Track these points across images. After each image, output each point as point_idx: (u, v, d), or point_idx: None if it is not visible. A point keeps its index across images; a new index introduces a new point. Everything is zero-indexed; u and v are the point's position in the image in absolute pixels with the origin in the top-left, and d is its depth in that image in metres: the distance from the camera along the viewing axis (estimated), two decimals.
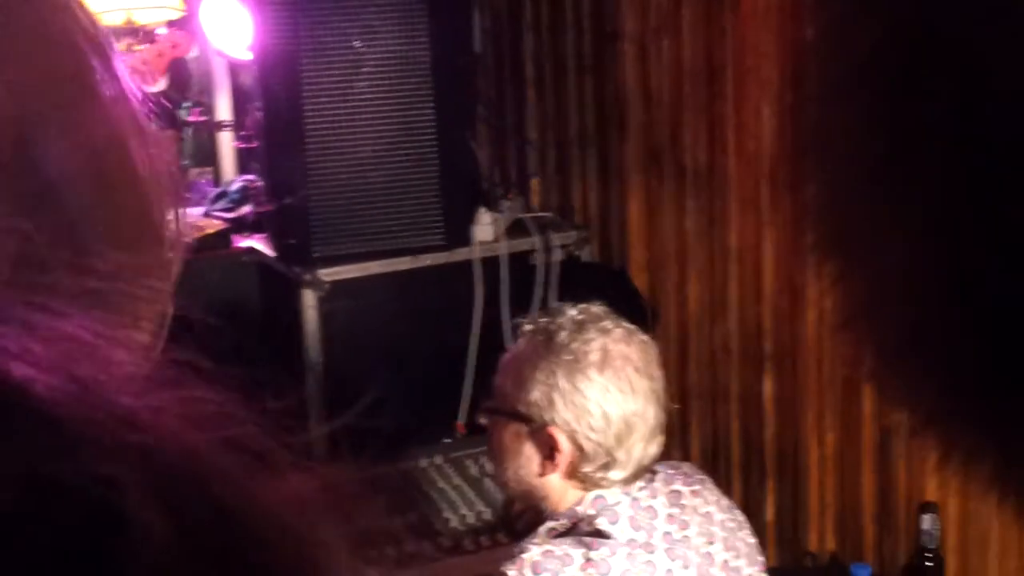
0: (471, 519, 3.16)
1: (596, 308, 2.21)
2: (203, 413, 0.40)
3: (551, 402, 2.13)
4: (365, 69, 3.41)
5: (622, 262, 3.72)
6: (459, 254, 3.57)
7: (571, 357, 2.13)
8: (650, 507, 2.13)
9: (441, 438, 3.49)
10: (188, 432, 0.39)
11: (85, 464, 0.36)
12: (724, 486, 2.87)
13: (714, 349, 3.45)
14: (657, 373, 2.17)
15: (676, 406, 2.62)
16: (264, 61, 3.48)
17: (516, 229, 3.68)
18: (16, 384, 0.37)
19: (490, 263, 3.59)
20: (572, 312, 2.19)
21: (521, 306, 3.40)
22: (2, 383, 0.37)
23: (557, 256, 3.66)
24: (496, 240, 3.61)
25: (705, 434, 3.53)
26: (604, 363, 2.12)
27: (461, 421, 3.56)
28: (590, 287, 3.24)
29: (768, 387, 3.30)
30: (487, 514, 3.17)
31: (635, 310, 3.39)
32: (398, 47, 3.41)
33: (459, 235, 3.56)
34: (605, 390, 2.11)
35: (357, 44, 3.39)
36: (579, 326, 2.16)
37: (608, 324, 2.17)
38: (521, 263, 3.66)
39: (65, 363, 0.39)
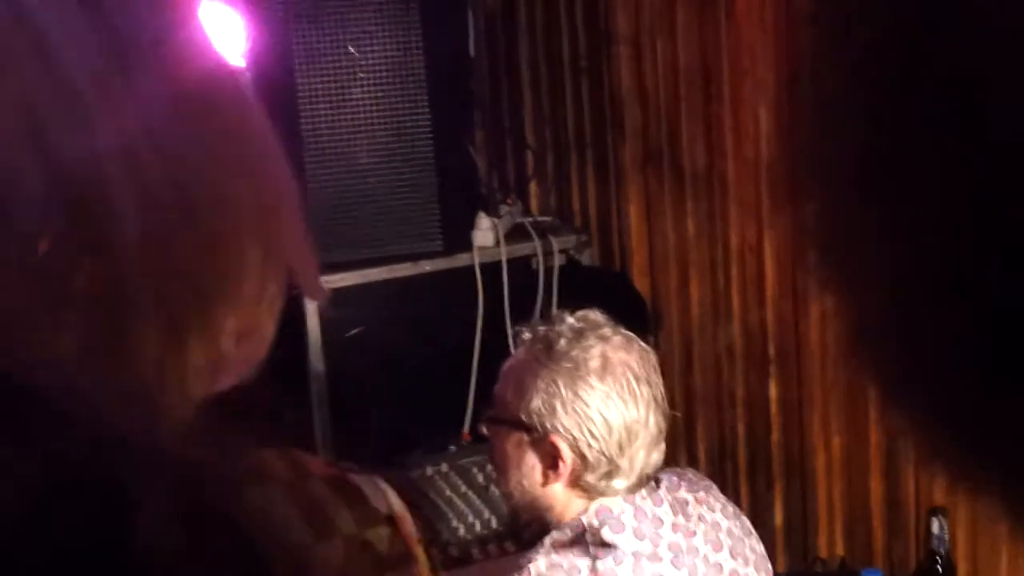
0: (478, 528, 3.15)
1: (595, 315, 2.19)
2: (229, 439, 0.40)
3: (552, 410, 2.11)
4: (360, 75, 3.39)
5: (623, 265, 3.69)
6: (459, 260, 3.54)
7: (571, 365, 2.11)
8: (655, 516, 2.11)
9: (446, 446, 3.47)
10: (210, 453, 0.39)
11: (105, 470, 0.36)
12: (731, 491, 2.84)
13: (718, 353, 3.42)
14: (656, 380, 2.16)
15: (677, 413, 2.60)
16: (259, 68, 3.46)
17: (516, 234, 3.66)
18: (44, 392, 0.37)
19: (490, 268, 3.57)
20: (571, 320, 2.17)
21: (523, 311, 3.38)
22: (29, 391, 0.37)
23: (558, 260, 3.64)
24: (496, 245, 3.58)
25: (711, 438, 3.50)
26: (604, 370, 2.10)
27: (466, 429, 3.54)
28: (592, 291, 3.23)
29: (773, 391, 3.27)
30: (494, 522, 3.15)
31: (638, 314, 3.37)
32: (393, 52, 3.39)
33: (458, 240, 3.53)
34: (606, 397, 2.10)
35: (351, 50, 3.37)
36: (578, 333, 2.14)
37: (607, 331, 2.15)
38: (522, 268, 3.63)
39: (98, 388, 0.39)
